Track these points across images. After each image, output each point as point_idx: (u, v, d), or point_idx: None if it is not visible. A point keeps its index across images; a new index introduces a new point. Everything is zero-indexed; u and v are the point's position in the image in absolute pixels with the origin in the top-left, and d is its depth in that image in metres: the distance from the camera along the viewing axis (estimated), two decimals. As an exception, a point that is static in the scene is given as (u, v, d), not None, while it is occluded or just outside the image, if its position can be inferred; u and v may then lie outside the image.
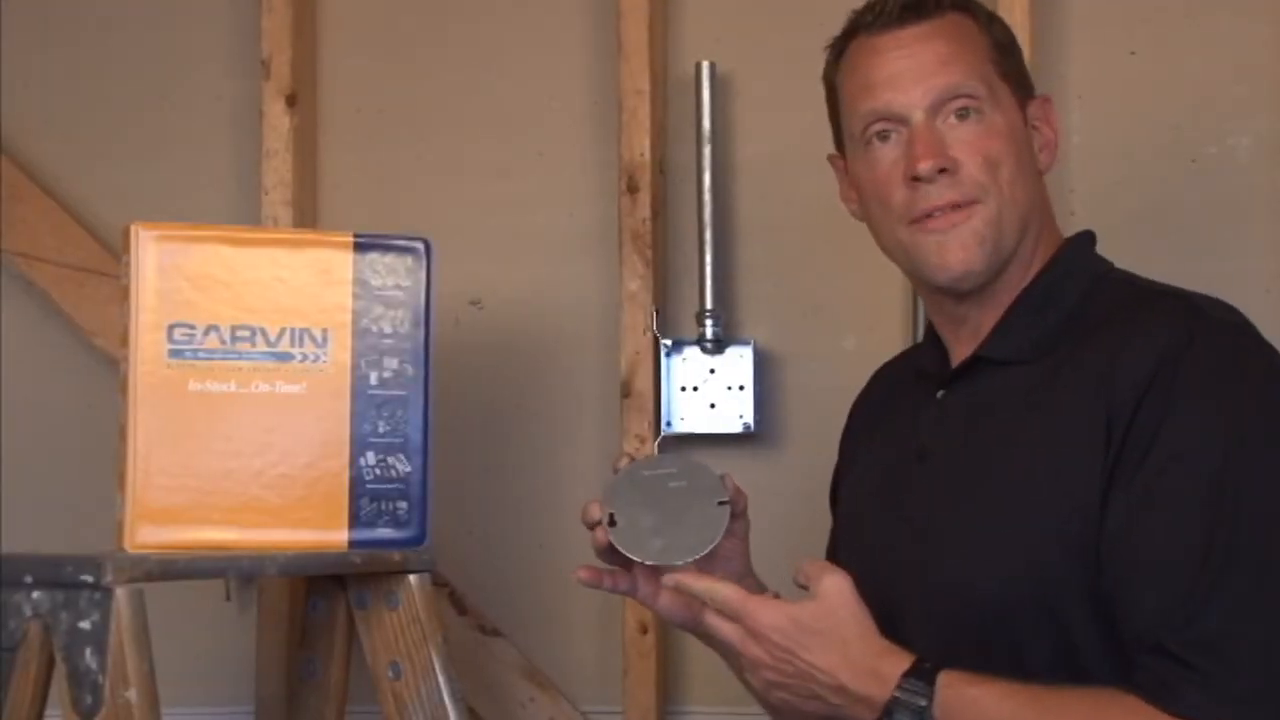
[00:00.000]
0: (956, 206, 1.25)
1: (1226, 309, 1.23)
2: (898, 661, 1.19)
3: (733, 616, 1.23)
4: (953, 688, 1.17)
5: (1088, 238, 1.32)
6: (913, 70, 1.23)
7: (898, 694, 1.16)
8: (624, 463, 1.32)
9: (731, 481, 1.31)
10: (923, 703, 1.15)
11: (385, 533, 1.49)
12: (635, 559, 1.30)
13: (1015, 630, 1.19)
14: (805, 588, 1.23)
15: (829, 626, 1.20)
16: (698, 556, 1.29)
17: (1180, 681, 1.11)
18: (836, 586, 1.21)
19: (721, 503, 1.29)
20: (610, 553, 1.31)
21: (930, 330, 1.37)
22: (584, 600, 1.91)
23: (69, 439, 1.98)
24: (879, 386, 1.47)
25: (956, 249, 1.26)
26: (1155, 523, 1.14)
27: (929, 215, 1.26)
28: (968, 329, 1.31)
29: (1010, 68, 1.27)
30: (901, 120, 1.26)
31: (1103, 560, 1.16)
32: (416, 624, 1.51)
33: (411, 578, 1.51)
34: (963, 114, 1.24)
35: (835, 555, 1.38)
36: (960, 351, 1.31)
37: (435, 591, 1.54)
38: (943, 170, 1.24)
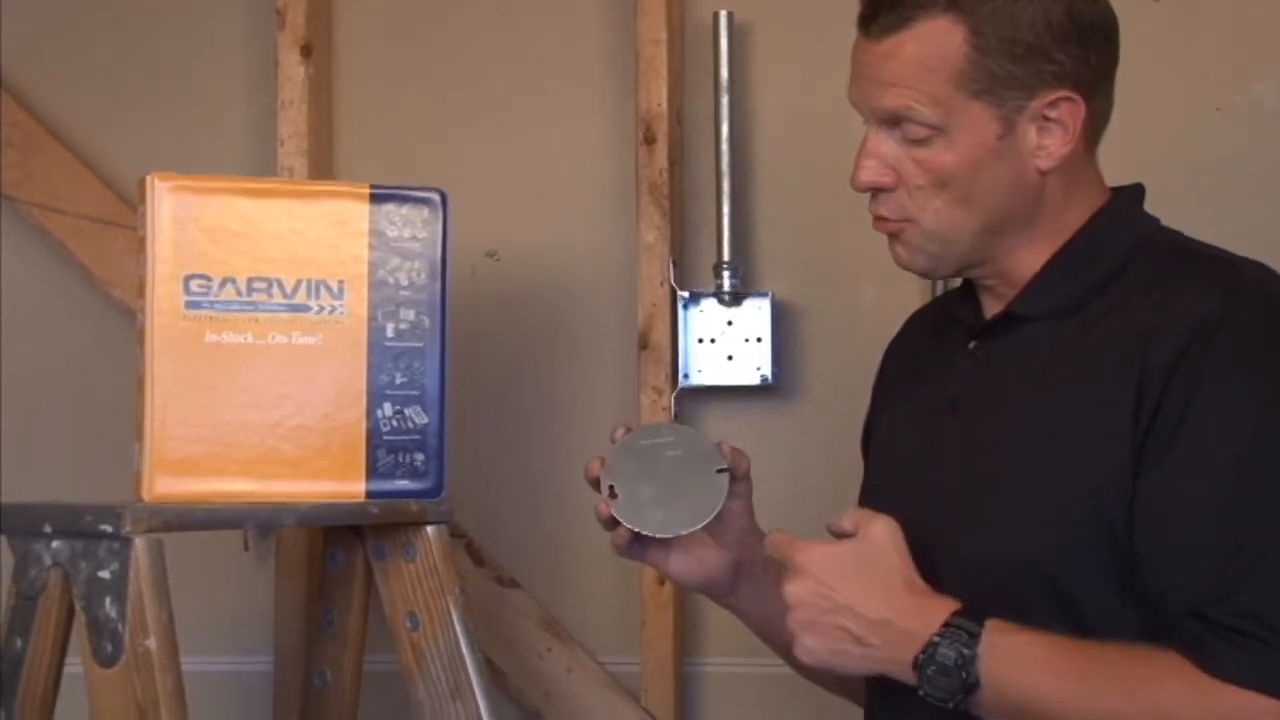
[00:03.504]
0: (888, 219, 1.27)
1: (1272, 277, 1.22)
2: (945, 602, 1.18)
3: (782, 556, 1.24)
4: (999, 632, 1.15)
5: (1136, 191, 1.30)
6: (867, 83, 1.23)
7: (945, 630, 1.16)
8: (620, 433, 1.31)
9: (728, 447, 1.30)
10: (970, 640, 1.15)
11: (402, 484, 1.49)
12: (637, 530, 1.30)
13: (1036, 597, 1.19)
14: (848, 534, 1.24)
15: (876, 566, 1.19)
16: (699, 527, 1.30)
17: (1226, 647, 1.12)
18: (888, 530, 1.21)
19: (720, 470, 1.29)
20: (613, 524, 1.30)
21: (967, 279, 1.37)
22: (602, 552, 1.86)
23: (87, 389, 1.99)
24: (915, 330, 1.45)
25: (900, 252, 1.28)
26: (1188, 496, 1.14)
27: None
28: (1000, 283, 1.30)
29: (1001, 72, 1.23)
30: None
31: (1135, 533, 1.15)
32: (434, 575, 1.52)
33: (429, 529, 1.52)
34: (910, 136, 1.24)
35: (867, 500, 1.38)
36: (992, 304, 1.31)
37: (453, 543, 1.54)
38: (877, 188, 1.26)
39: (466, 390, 1.80)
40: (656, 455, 1.31)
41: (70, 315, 2.02)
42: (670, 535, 1.30)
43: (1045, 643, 1.16)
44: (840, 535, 1.24)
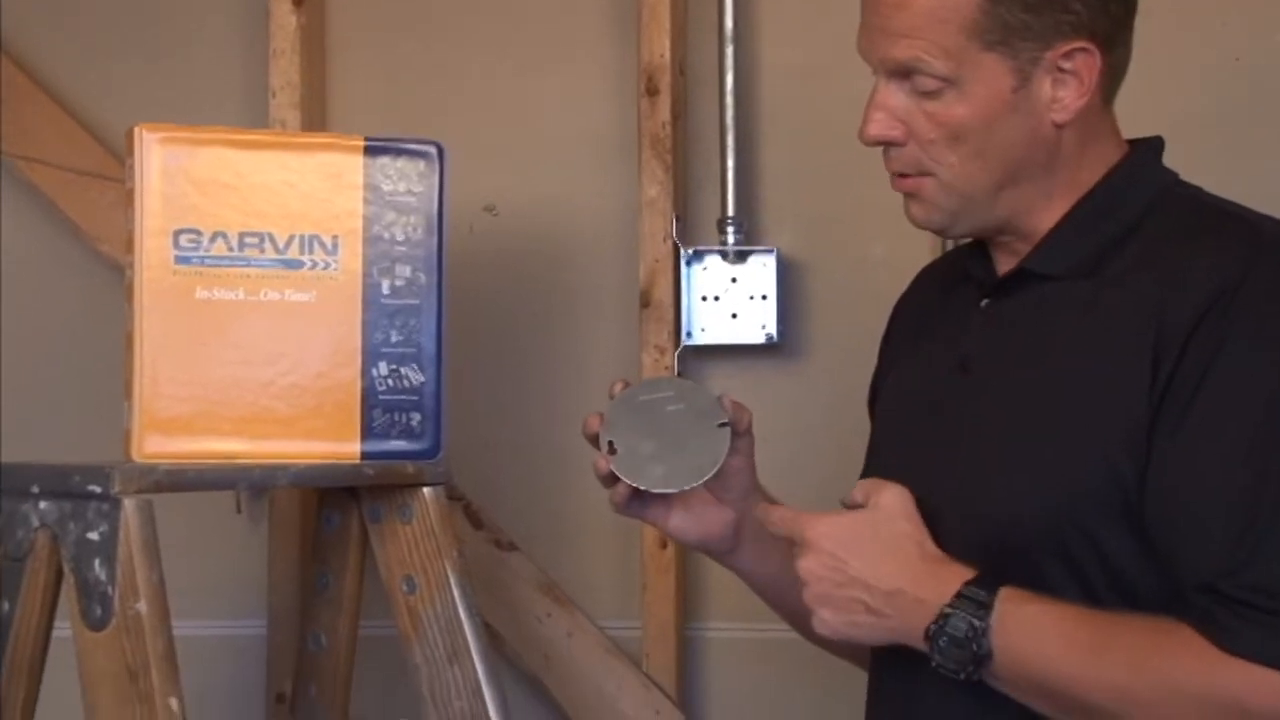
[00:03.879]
0: (905, 175, 1.25)
1: None
2: (958, 571, 1.17)
3: (788, 533, 1.23)
4: (1012, 601, 1.15)
5: (1155, 145, 1.28)
6: (876, 33, 1.22)
7: (957, 600, 1.15)
8: (619, 388, 1.31)
9: (729, 401, 1.30)
10: (980, 611, 1.15)
11: (398, 444, 1.48)
12: (637, 486, 1.29)
13: (1046, 562, 1.18)
14: (860, 506, 1.23)
15: (887, 535, 1.19)
16: (700, 482, 1.29)
17: (1236, 621, 1.11)
18: (898, 498, 1.21)
19: (722, 424, 1.28)
20: (612, 479, 1.30)
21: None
22: (602, 515, 1.86)
23: (75, 346, 1.98)
24: (924, 287, 1.43)
25: (916, 210, 1.26)
26: (1202, 466, 1.13)
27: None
28: (1014, 239, 1.28)
29: (1016, 22, 1.20)
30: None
31: (1147, 501, 1.15)
32: (431, 538, 1.51)
33: (425, 490, 1.51)
34: (921, 88, 1.22)
35: (872, 460, 1.38)
36: (1006, 260, 1.29)
37: (450, 505, 1.54)
38: (886, 142, 1.25)
39: (464, 349, 1.78)
40: (656, 410, 1.30)
41: (58, 271, 2.00)
42: (670, 491, 1.29)
43: (1058, 613, 1.15)
44: (853, 508, 1.23)
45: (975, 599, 1.16)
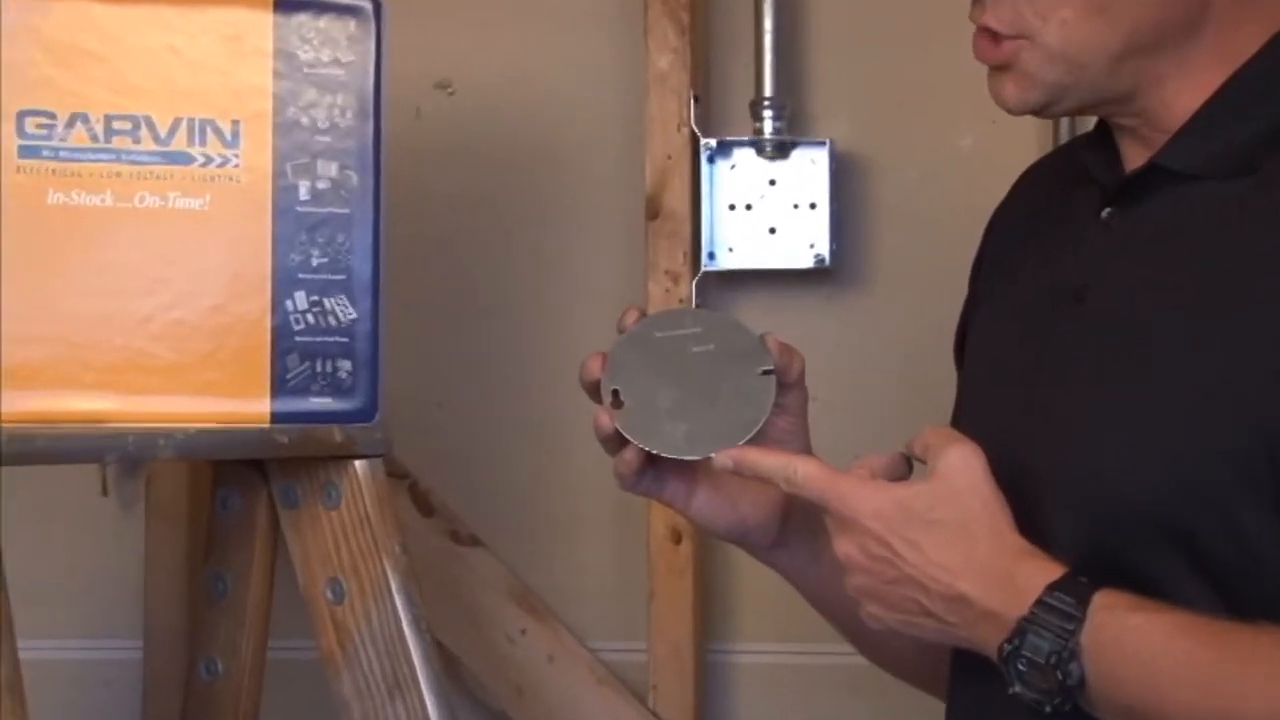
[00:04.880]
0: (996, 38, 1.27)
1: None
2: (1041, 568, 1.19)
3: (817, 501, 1.25)
4: (1111, 611, 1.16)
5: None
6: None
7: (1038, 610, 1.17)
8: (631, 319, 1.32)
9: (776, 342, 1.31)
10: (1070, 626, 1.16)
11: (322, 402, 1.50)
12: (650, 450, 1.30)
13: (1169, 556, 1.20)
14: (921, 462, 1.24)
15: (951, 515, 1.21)
16: (739, 444, 1.30)
17: None
18: (965, 463, 1.22)
19: (765, 371, 1.30)
20: (618, 441, 1.31)
21: (1102, 121, 1.35)
22: (596, 497, 1.95)
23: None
24: (1028, 193, 1.45)
25: (1009, 88, 1.28)
26: None
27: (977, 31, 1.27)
28: (1144, 126, 1.30)
29: None
30: None
31: None
32: (365, 528, 1.53)
33: (358, 464, 1.52)
34: None
35: (960, 423, 1.37)
36: (1135, 154, 1.30)
37: (391, 484, 1.55)
38: None
39: (410, 275, 1.80)
40: (678, 351, 1.32)
41: None
42: (695, 458, 1.30)
43: (1171, 625, 1.16)
44: (917, 459, 1.25)
45: (1062, 608, 1.17)
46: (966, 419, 1.35)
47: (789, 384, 1.32)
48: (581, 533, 1.97)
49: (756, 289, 1.94)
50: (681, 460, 1.30)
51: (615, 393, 1.30)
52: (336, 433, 1.50)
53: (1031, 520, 1.22)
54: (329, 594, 1.53)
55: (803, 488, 1.25)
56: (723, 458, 1.28)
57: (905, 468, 1.25)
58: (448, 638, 1.90)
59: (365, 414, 1.51)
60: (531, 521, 1.98)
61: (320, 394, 1.50)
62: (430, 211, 1.95)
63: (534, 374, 1.98)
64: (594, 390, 1.31)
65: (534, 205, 1.98)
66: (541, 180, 1.97)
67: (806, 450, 1.35)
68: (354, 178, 1.50)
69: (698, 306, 1.87)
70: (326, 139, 1.50)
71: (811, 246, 1.91)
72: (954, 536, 1.21)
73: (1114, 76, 1.26)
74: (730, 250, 1.92)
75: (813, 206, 1.90)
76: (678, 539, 1.90)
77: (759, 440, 1.29)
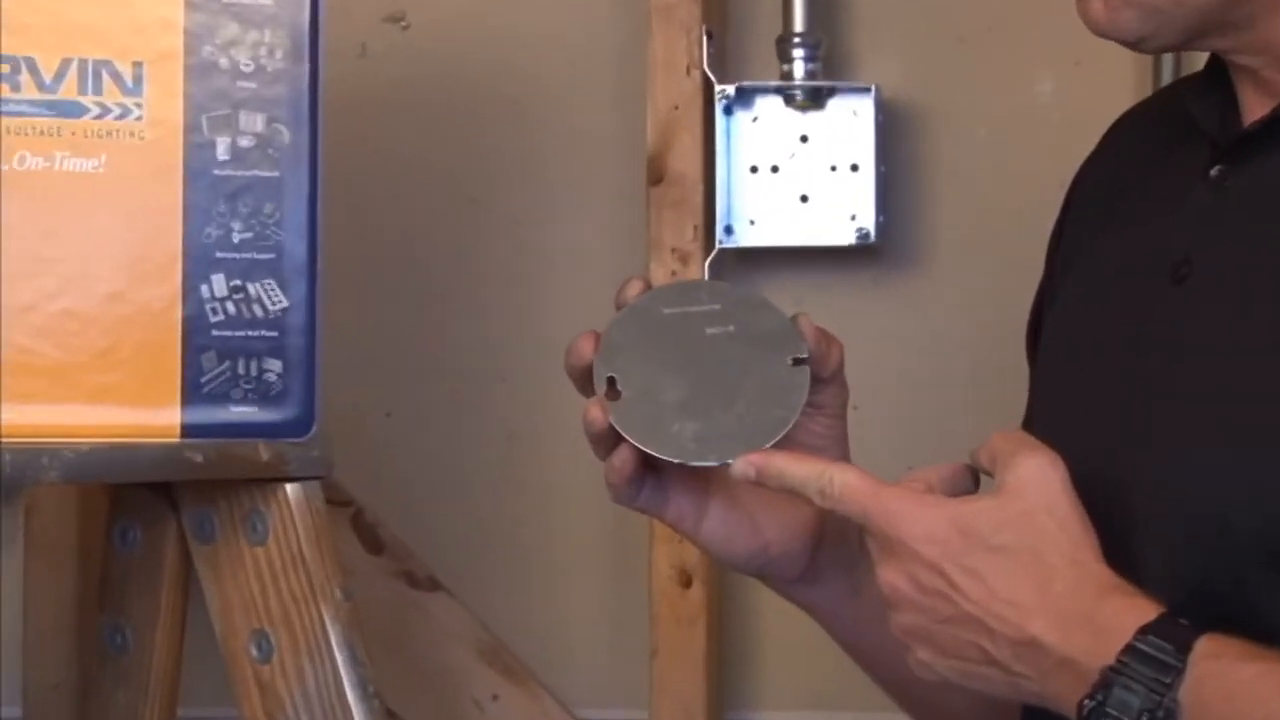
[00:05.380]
0: None
1: None
2: (1131, 607, 1.17)
3: (858, 519, 1.23)
4: (1218, 660, 1.14)
5: None
6: None
7: (1127, 658, 1.14)
8: (634, 291, 1.30)
9: (810, 325, 1.29)
10: (1166, 678, 1.14)
11: (244, 411, 1.48)
12: (651, 454, 1.28)
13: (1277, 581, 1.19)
14: (988, 474, 1.23)
15: (1021, 539, 1.19)
16: (763, 449, 1.27)
17: None
18: (1040, 475, 1.20)
19: (797, 361, 1.28)
20: (611, 440, 1.28)
21: (1214, 60, 1.34)
22: (582, 528, 1.94)
23: None
24: (1122, 144, 1.43)
25: (1098, 7, 1.27)
26: None
27: None
28: (1265, 64, 1.28)
29: None
30: None
31: None
32: (298, 568, 1.51)
33: (289, 489, 1.50)
34: None
35: (1034, 424, 1.37)
36: (1255, 101, 1.29)
37: (331, 514, 1.53)
38: None
39: (354, 254, 1.82)
40: (690, 332, 1.30)
41: None
42: (708, 465, 1.28)
43: None
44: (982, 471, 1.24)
45: (1157, 656, 1.15)
46: (1042, 424, 1.34)
47: (826, 378, 1.31)
48: (567, 573, 1.96)
49: (784, 271, 1.93)
50: (690, 468, 1.29)
51: (611, 380, 1.28)
52: (263, 449, 1.49)
53: (1121, 547, 1.22)
54: (253, 650, 1.51)
55: (841, 501, 1.23)
56: (742, 465, 1.26)
57: (970, 482, 1.24)
58: (401, 704, 1.89)
59: (299, 426, 1.50)
60: (505, 559, 1.98)
61: (243, 401, 1.48)
62: (379, 175, 1.94)
63: (507, 376, 1.97)
64: (584, 379, 1.29)
65: (506, 167, 1.97)
66: (516, 136, 1.96)
67: (844, 452, 1.35)
68: (285, 133, 1.49)
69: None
70: (251, 85, 1.49)
71: (853, 219, 1.88)
72: (1025, 565, 1.20)
73: (1223, 2, 1.26)
74: (752, 224, 1.90)
75: (854, 169, 1.88)
76: (687, 581, 1.89)
77: (787, 445, 1.28)
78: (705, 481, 1.32)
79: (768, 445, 1.26)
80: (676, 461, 1.27)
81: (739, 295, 1.31)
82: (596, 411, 1.28)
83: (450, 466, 1.98)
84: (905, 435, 1.80)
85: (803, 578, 1.37)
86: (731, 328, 1.29)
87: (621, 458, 1.29)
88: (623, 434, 1.27)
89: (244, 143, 1.47)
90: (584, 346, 1.29)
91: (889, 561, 1.21)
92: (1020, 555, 1.19)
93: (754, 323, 1.29)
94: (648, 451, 1.27)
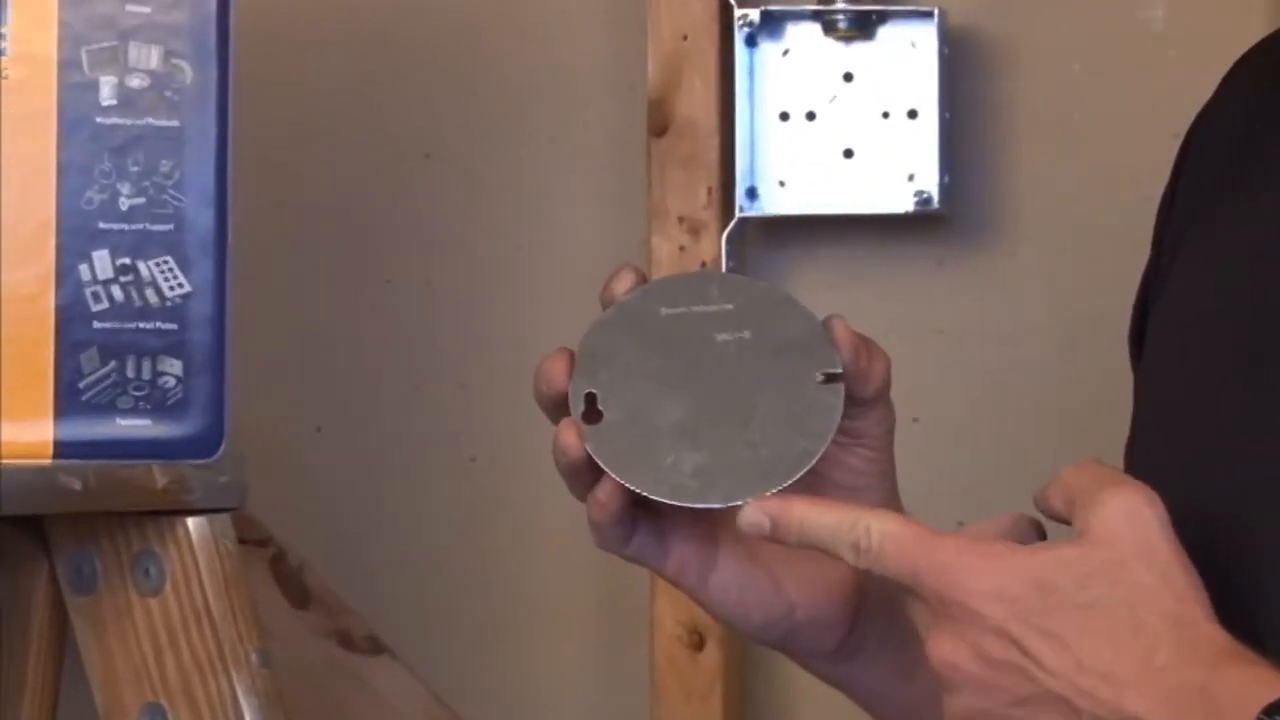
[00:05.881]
0: None
1: None
2: (1253, 679, 1.14)
3: (906, 579, 1.20)
4: None
5: None
6: None
7: None
8: (625, 285, 1.30)
9: (846, 330, 1.28)
10: None
11: (135, 425, 1.45)
12: (641, 492, 1.26)
13: None
14: (1061, 522, 1.21)
15: (1114, 595, 1.17)
16: (780, 489, 1.26)
17: None
18: (1133, 515, 1.18)
19: (829, 377, 1.26)
20: (590, 473, 1.27)
21: None
22: (562, 573, 1.92)
23: None
24: (1248, 93, 1.42)
25: None
26: None
27: None
28: None
29: None
30: None
31: None
32: (201, 624, 1.48)
33: (192, 525, 1.48)
34: None
35: (1137, 443, 1.41)
36: None
37: (245, 555, 1.52)
38: None
39: (276, 226, 1.80)
40: (695, 339, 1.28)
41: None
42: (712, 507, 1.26)
43: None
44: (1047, 513, 1.22)
45: None
46: (1146, 446, 1.35)
47: (866, 398, 1.29)
48: (546, 633, 1.93)
49: (822, 247, 1.89)
50: (691, 510, 1.26)
51: (590, 398, 1.26)
52: (158, 473, 1.46)
53: (1238, 604, 1.20)
54: (144, 725, 1.54)
55: (882, 559, 1.20)
56: (753, 513, 1.24)
57: (1033, 536, 1.24)
58: (335, 798, 1.90)
59: (203, 444, 1.47)
60: (465, 615, 1.95)
61: (133, 412, 1.45)
62: (308, 125, 1.92)
63: (469, 382, 1.95)
64: (558, 408, 1.28)
65: (469, 114, 1.94)
66: (481, 74, 1.93)
67: (890, 504, 1.34)
68: (186, 71, 1.47)
69: (730, 269, 1.85)
70: (143, 9, 1.46)
71: (911, 179, 1.84)
72: (1120, 628, 1.17)
73: None
74: (782, 185, 1.86)
75: (912, 115, 1.84)
76: (698, 643, 1.85)
77: (813, 485, 1.27)
78: (713, 526, 1.31)
79: (787, 483, 1.24)
80: (673, 503, 1.25)
81: (757, 292, 1.30)
82: (571, 436, 1.26)
83: (396, 497, 1.97)
84: (976, 457, 1.78)
85: (839, 652, 1.36)
86: (747, 333, 1.28)
87: (606, 491, 1.27)
88: (603, 466, 1.25)
89: (135, 83, 1.45)
90: (556, 369, 1.28)
91: (945, 630, 1.19)
92: (1113, 615, 1.17)
93: (775, 326, 1.28)
94: (635, 490, 1.25)
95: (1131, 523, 1.18)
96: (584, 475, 1.26)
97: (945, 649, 1.18)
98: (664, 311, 1.28)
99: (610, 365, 1.27)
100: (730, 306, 1.28)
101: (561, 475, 1.28)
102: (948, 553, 1.19)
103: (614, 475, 1.25)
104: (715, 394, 1.27)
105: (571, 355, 1.27)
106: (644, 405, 1.27)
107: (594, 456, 1.24)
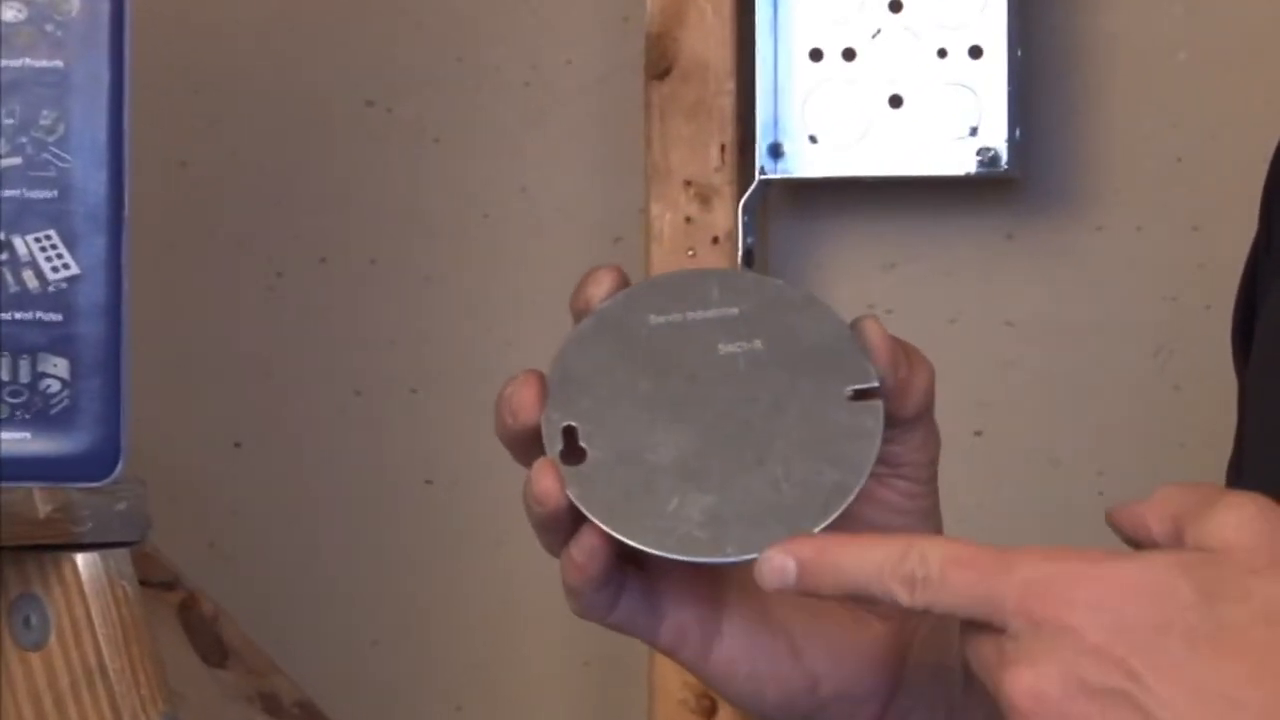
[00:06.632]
0: None
1: None
2: None
3: (977, 609, 1.18)
4: None
5: None
6: None
7: None
8: (603, 289, 1.29)
9: (883, 334, 1.28)
10: None
11: (11, 440, 1.47)
12: (633, 545, 1.25)
13: None
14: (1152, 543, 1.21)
15: (1243, 609, 1.16)
16: (806, 534, 1.25)
17: None
18: (1258, 524, 1.18)
19: (861, 392, 1.29)
20: (569, 522, 1.26)
21: None
22: (545, 628, 1.94)
23: None
24: None
25: None
26: None
27: None
28: None
29: None
30: None
31: None
32: (94, 685, 1.50)
33: (80, 562, 1.50)
34: None
35: (1246, 454, 1.42)
36: None
37: (149, 601, 1.55)
38: None
39: (183, 194, 1.82)
40: (693, 352, 1.28)
41: None
42: (722, 562, 1.25)
43: None
44: (1136, 542, 1.21)
45: None
46: (1254, 464, 1.39)
47: (905, 417, 1.29)
48: (523, 699, 1.95)
49: (863, 219, 1.91)
50: (693, 565, 1.25)
51: (570, 432, 1.25)
52: (39, 500, 1.48)
53: None
54: (27, 816, 1.55)
55: (945, 588, 1.19)
56: (778, 556, 1.23)
57: None
58: None
59: (96, 464, 1.49)
60: (418, 678, 1.96)
61: (8, 423, 1.49)
62: (221, 67, 1.93)
63: (421, 387, 1.97)
64: (529, 443, 1.26)
65: (425, 57, 1.96)
66: (439, 8, 1.93)
67: (935, 521, 1.34)
68: (74, 4, 1.49)
69: (744, 265, 1.87)
70: None
71: (973, 134, 1.86)
72: (1251, 652, 1.17)
73: None
74: (813, 141, 1.87)
75: (975, 54, 1.85)
76: (709, 708, 1.88)
77: (840, 528, 1.25)
78: (717, 585, 1.30)
79: (819, 529, 1.24)
80: (672, 557, 1.24)
81: (769, 291, 1.29)
82: (549, 481, 1.24)
83: (333, 529, 1.99)
84: (1053, 479, 1.79)
85: None
86: (758, 343, 1.28)
87: (585, 550, 1.25)
88: (590, 517, 1.24)
89: (9, 15, 1.47)
90: (524, 397, 1.27)
91: (1027, 658, 1.17)
92: (1244, 632, 1.17)
93: (793, 333, 1.28)
94: (625, 541, 1.24)
95: (1261, 530, 1.18)
96: (565, 528, 1.25)
97: (1027, 679, 1.17)
98: (654, 320, 1.27)
99: (591, 391, 1.27)
100: (736, 311, 1.28)
101: (535, 528, 1.27)
102: (1029, 566, 1.18)
103: (605, 528, 1.24)
104: (723, 421, 1.27)
105: (543, 379, 1.26)
106: (636, 439, 1.27)
107: (579, 505, 1.23)
